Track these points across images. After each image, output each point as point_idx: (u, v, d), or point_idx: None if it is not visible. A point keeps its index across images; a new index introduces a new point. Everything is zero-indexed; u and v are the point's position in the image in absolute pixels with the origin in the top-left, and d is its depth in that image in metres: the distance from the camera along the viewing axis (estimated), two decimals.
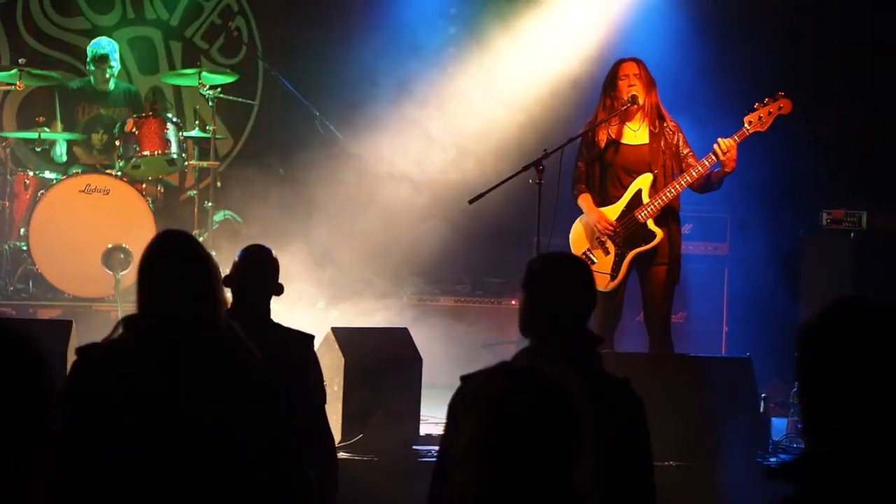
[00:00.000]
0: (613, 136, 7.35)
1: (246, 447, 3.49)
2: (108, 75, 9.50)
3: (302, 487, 4.80)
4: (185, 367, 3.48)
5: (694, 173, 7.14)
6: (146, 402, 3.42)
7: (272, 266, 5.04)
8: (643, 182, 7.27)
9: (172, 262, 3.61)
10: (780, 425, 7.28)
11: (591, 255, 7.30)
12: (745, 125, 7.17)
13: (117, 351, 3.52)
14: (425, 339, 7.45)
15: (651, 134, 7.32)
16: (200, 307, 3.56)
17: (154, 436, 3.40)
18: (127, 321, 3.57)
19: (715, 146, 7.07)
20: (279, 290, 5.02)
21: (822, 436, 2.31)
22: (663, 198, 7.21)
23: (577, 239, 7.43)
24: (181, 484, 3.41)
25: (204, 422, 3.44)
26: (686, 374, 6.63)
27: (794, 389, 7.25)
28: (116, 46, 9.61)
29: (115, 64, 9.54)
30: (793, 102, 7.20)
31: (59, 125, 9.48)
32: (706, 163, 7.12)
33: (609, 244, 7.30)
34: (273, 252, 5.08)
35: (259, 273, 4.99)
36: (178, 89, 10.60)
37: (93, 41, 9.64)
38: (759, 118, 7.17)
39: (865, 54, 9.78)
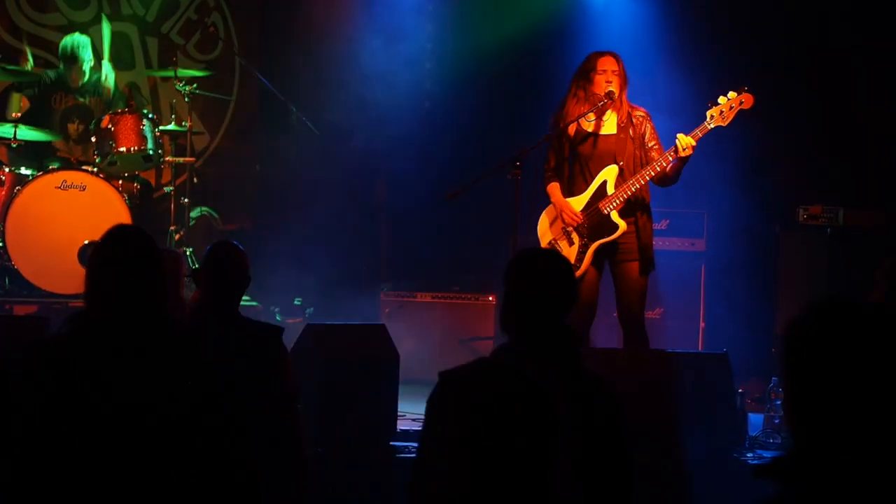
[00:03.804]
0: (583, 127, 7.32)
1: (192, 438, 3.50)
2: (78, 71, 9.46)
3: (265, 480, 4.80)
4: (128, 360, 3.50)
5: (657, 167, 7.10)
6: (89, 395, 3.44)
7: (241, 262, 5.06)
8: (609, 174, 7.22)
9: (117, 256, 3.63)
10: (756, 421, 7.28)
11: (556, 245, 7.28)
12: (707, 119, 7.09)
13: (62, 345, 3.55)
14: (402, 336, 7.44)
15: (619, 125, 7.28)
16: (146, 301, 3.59)
17: (98, 429, 3.42)
18: (72, 317, 3.61)
19: (677, 142, 7.01)
20: (246, 283, 5.07)
21: (806, 434, 2.31)
22: (627, 191, 7.16)
23: (544, 229, 7.42)
24: (126, 477, 3.42)
25: (148, 414, 3.46)
26: (663, 370, 6.62)
27: (771, 385, 7.27)
28: (88, 42, 9.56)
29: (86, 61, 9.48)
30: (754, 97, 7.11)
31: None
32: (669, 157, 7.06)
33: (574, 235, 7.27)
34: (241, 247, 5.13)
35: (227, 268, 5.03)
36: (154, 85, 10.57)
37: (63, 39, 9.59)
38: (721, 112, 7.08)
39: (843, 49, 9.81)
